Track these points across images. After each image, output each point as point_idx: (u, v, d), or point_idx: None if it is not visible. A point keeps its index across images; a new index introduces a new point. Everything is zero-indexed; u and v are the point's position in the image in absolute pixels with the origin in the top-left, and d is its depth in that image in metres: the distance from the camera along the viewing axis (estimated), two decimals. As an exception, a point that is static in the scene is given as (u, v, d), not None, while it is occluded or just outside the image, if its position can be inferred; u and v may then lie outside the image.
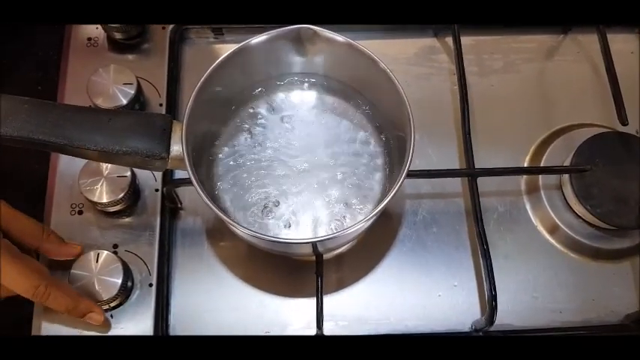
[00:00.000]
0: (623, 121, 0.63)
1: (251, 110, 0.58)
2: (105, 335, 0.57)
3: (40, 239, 0.56)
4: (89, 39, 0.68)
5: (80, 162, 0.59)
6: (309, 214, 0.56)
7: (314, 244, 0.53)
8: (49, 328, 0.57)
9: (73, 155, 0.50)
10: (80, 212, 0.61)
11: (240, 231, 0.49)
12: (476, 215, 0.60)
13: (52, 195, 0.62)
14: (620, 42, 0.72)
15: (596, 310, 0.62)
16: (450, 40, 0.69)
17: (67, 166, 0.62)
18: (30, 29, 0.71)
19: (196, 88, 0.50)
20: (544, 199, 0.64)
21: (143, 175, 0.62)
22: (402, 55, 0.71)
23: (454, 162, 0.66)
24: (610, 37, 0.67)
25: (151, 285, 0.59)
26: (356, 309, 0.61)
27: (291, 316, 0.60)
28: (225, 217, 0.48)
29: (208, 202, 0.47)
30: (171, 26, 0.69)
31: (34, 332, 0.57)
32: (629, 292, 0.62)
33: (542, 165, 0.65)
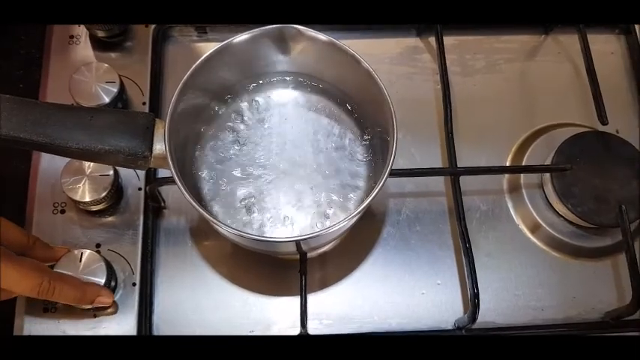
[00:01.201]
0: (603, 121, 0.63)
1: (234, 109, 0.58)
2: (88, 335, 0.57)
3: (26, 247, 0.55)
4: (71, 37, 0.67)
5: (62, 160, 0.58)
6: (292, 212, 0.56)
7: (297, 243, 0.53)
8: (31, 328, 0.57)
9: (54, 154, 0.49)
10: (62, 211, 0.61)
11: (223, 230, 0.49)
12: (458, 214, 0.60)
13: (34, 194, 0.61)
14: (601, 42, 0.73)
15: (577, 308, 0.62)
16: (432, 40, 0.70)
17: (49, 164, 0.62)
18: (12, 27, 0.70)
19: (179, 87, 0.50)
20: (525, 198, 0.65)
21: (126, 173, 0.62)
22: (385, 55, 0.71)
23: (437, 161, 0.67)
24: (590, 37, 0.68)
25: (134, 284, 0.59)
26: (340, 308, 0.61)
27: (275, 315, 0.60)
28: (208, 216, 0.48)
29: (191, 201, 0.47)
30: (154, 25, 0.68)
31: (15, 332, 0.57)
32: (609, 290, 0.63)
33: (523, 164, 0.66)
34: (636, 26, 0.73)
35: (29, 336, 0.56)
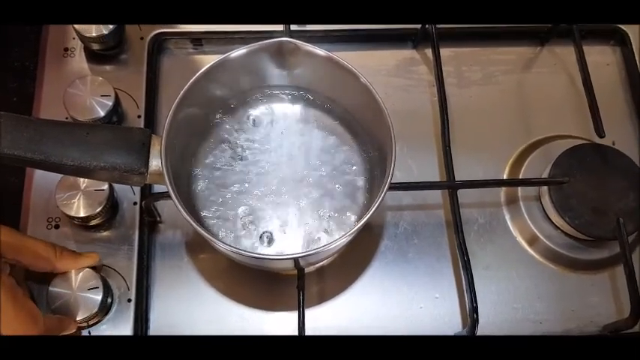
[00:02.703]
0: (600, 133, 0.63)
1: (231, 123, 0.58)
2: (82, 336, 0.56)
3: (53, 259, 0.54)
4: (66, 49, 0.67)
5: (57, 175, 0.57)
6: (290, 228, 0.55)
7: (295, 260, 0.52)
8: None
9: (49, 170, 0.49)
10: (57, 226, 0.60)
11: (220, 247, 0.48)
12: (456, 227, 0.60)
13: (28, 209, 0.61)
14: (596, 54, 0.73)
15: (575, 321, 0.62)
16: (429, 51, 0.69)
17: (43, 179, 0.61)
18: (5, 39, 0.70)
19: (175, 102, 0.50)
20: (523, 211, 0.65)
21: (121, 188, 0.61)
22: (381, 67, 0.71)
23: (434, 172, 0.67)
24: (586, 49, 0.68)
25: (129, 300, 0.58)
26: (338, 322, 0.61)
27: (272, 330, 0.60)
28: (205, 234, 0.47)
29: (188, 218, 0.47)
30: (149, 36, 0.68)
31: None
32: (607, 303, 0.63)
33: (521, 176, 0.66)
34: (631, 37, 0.73)
35: (24, 336, 0.55)
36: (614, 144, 0.67)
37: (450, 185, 0.62)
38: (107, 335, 0.57)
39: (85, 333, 0.56)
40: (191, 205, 0.55)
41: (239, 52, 0.52)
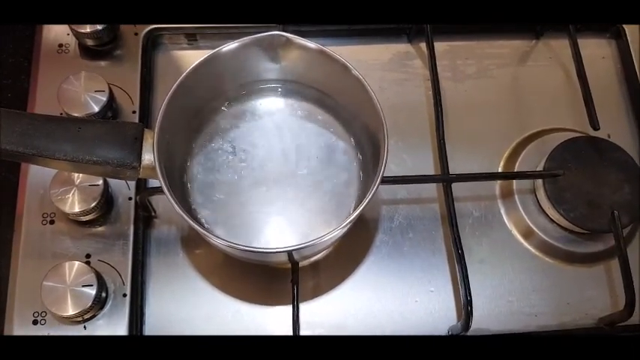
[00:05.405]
0: (595, 126, 0.63)
1: (224, 117, 0.58)
2: (79, 336, 0.56)
3: None
4: (60, 45, 0.67)
5: (51, 170, 0.57)
6: (283, 221, 0.55)
7: (289, 253, 0.52)
8: (20, 329, 0.56)
9: (42, 165, 0.49)
10: (52, 222, 0.60)
11: (214, 241, 0.48)
12: (451, 220, 0.60)
13: (23, 204, 0.61)
14: (592, 47, 0.73)
15: (570, 314, 0.62)
16: (423, 45, 0.69)
17: (37, 174, 0.61)
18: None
19: (168, 97, 0.50)
20: (518, 204, 0.65)
21: (116, 183, 0.61)
22: (376, 61, 0.71)
23: (429, 166, 0.67)
24: (581, 42, 0.68)
25: (125, 295, 0.58)
26: (333, 316, 0.61)
27: (267, 325, 0.60)
28: (198, 228, 0.48)
29: (181, 212, 0.47)
30: (143, 32, 0.68)
31: (6, 332, 0.56)
32: (602, 296, 0.63)
33: (516, 169, 0.66)
34: (627, 30, 0.73)
35: (19, 336, 0.55)
36: (609, 137, 0.67)
37: (445, 179, 0.62)
38: (103, 335, 0.57)
39: (80, 327, 0.56)
40: (185, 200, 0.55)
41: (231, 46, 0.52)
